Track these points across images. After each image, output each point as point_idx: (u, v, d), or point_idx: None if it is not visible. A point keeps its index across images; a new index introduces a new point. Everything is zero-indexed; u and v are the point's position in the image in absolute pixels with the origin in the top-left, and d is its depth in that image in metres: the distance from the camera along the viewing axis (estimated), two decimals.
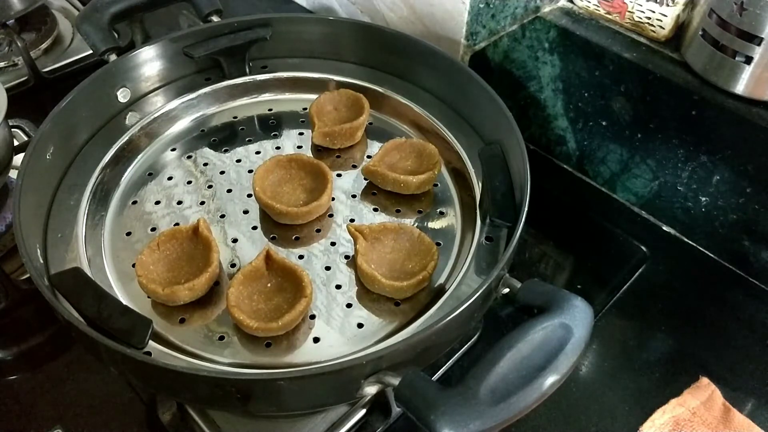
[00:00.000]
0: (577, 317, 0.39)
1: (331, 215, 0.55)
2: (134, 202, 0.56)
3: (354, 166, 0.60)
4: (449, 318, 0.41)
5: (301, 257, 0.52)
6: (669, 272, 0.63)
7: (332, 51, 0.68)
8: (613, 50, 0.61)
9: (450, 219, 0.55)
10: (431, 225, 0.55)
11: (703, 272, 0.64)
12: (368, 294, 0.50)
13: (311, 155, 0.60)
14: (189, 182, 0.58)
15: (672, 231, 0.67)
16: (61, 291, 0.46)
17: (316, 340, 0.47)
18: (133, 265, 0.49)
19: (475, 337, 0.56)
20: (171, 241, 0.50)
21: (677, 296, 0.61)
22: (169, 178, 0.58)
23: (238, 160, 0.60)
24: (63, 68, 0.83)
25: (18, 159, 0.60)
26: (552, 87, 0.68)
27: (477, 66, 0.67)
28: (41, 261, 0.48)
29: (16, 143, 0.63)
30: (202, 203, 0.56)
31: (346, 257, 0.52)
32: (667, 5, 0.59)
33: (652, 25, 0.61)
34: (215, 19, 0.67)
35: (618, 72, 0.62)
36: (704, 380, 0.54)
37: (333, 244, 0.53)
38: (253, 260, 0.48)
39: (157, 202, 0.56)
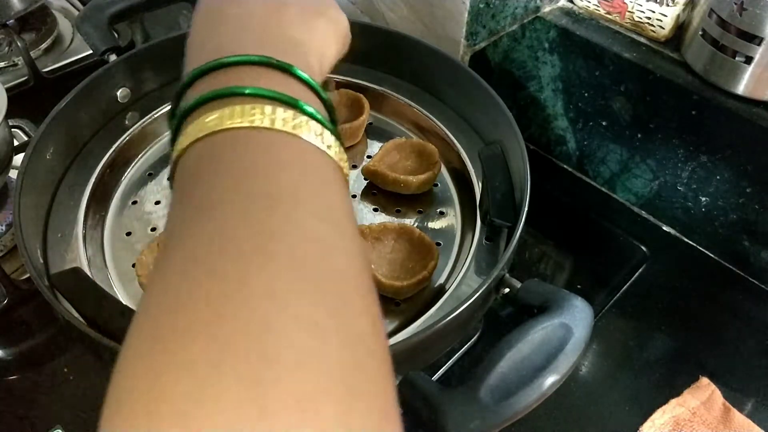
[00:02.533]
0: (577, 317, 0.39)
1: None
2: (134, 202, 0.56)
3: (354, 166, 0.60)
4: (449, 318, 0.41)
5: None
6: (669, 272, 0.63)
7: None
8: (613, 50, 0.61)
9: (450, 219, 0.55)
10: (431, 225, 0.55)
11: (703, 272, 0.64)
12: None
13: None
14: None
15: (672, 231, 0.67)
16: (61, 291, 0.46)
17: None
18: (133, 265, 0.49)
19: (475, 337, 0.56)
20: None
21: (677, 296, 0.61)
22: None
23: None
24: (63, 68, 0.83)
25: (18, 159, 0.60)
26: (552, 87, 0.68)
27: (477, 66, 0.67)
28: (41, 261, 0.48)
29: (16, 143, 0.63)
30: None
31: None
32: (667, 5, 0.59)
33: (652, 25, 0.61)
34: None
35: (618, 72, 0.62)
36: (704, 380, 0.54)
37: None
38: None
39: (157, 202, 0.56)
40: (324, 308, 0.22)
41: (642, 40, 0.62)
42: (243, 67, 0.30)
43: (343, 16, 0.41)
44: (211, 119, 0.27)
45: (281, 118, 0.27)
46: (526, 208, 0.47)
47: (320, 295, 0.22)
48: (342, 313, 0.23)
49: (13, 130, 0.71)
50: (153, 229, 0.54)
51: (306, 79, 0.30)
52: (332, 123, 0.31)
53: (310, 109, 0.28)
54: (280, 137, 0.27)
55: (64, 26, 0.89)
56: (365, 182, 0.58)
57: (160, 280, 0.23)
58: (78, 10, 0.92)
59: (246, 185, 0.25)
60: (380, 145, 0.59)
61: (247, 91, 0.28)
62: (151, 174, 0.59)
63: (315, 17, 0.37)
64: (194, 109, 0.28)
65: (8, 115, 0.59)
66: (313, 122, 0.28)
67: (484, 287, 0.42)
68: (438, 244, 0.52)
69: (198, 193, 0.25)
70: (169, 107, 0.32)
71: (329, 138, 0.29)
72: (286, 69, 0.30)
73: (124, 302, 0.47)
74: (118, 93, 0.61)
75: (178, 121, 0.29)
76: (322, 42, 0.37)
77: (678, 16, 0.60)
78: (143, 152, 0.61)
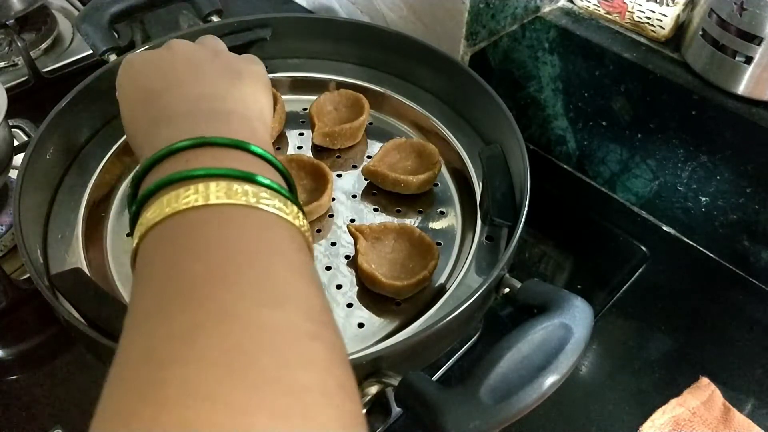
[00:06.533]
0: (577, 317, 0.39)
1: (331, 215, 0.55)
2: None
3: (354, 167, 0.60)
4: (449, 318, 0.41)
5: None
6: (669, 272, 0.63)
7: (332, 51, 0.68)
8: (613, 50, 0.61)
9: (450, 219, 0.55)
10: (431, 225, 0.55)
11: (703, 272, 0.64)
12: (369, 294, 0.50)
13: (311, 155, 0.60)
14: None
15: (672, 231, 0.67)
16: (61, 291, 0.46)
17: None
18: None
19: (475, 337, 0.56)
20: None
21: (677, 296, 0.61)
22: None
23: None
24: (63, 68, 0.83)
25: (18, 159, 0.60)
26: (552, 87, 0.68)
27: (477, 66, 0.67)
28: (41, 261, 0.48)
29: (16, 143, 0.63)
30: None
31: (347, 257, 0.52)
32: (667, 5, 0.59)
33: (652, 25, 0.61)
34: (215, 19, 0.67)
35: (618, 72, 0.62)
36: (704, 380, 0.54)
37: (333, 244, 0.53)
38: None
39: None
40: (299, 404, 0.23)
41: (642, 40, 0.62)
42: (194, 150, 0.31)
43: (256, 60, 0.43)
44: (168, 201, 0.28)
45: (239, 191, 0.28)
46: (526, 208, 0.47)
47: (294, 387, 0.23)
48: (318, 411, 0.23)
49: (13, 130, 0.71)
50: None
51: (260, 152, 0.32)
52: (290, 191, 0.32)
53: (266, 181, 0.30)
54: (238, 211, 0.28)
55: (64, 26, 0.89)
56: (365, 182, 0.58)
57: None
58: (78, 10, 0.92)
59: (204, 261, 0.26)
60: (380, 145, 0.59)
61: (199, 173, 0.29)
62: None
63: (239, 80, 0.39)
64: (152, 194, 0.30)
65: (8, 115, 0.59)
66: (269, 193, 0.29)
67: (484, 287, 0.42)
68: (438, 243, 0.52)
69: (157, 278, 0.26)
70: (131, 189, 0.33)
71: (289, 206, 0.30)
72: (237, 146, 0.32)
73: (124, 302, 0.47)
74: None
75: (136, 208, 0.30)
76: (254, 99, 0.39)
77: (678, 16, 0.60)
78: None
